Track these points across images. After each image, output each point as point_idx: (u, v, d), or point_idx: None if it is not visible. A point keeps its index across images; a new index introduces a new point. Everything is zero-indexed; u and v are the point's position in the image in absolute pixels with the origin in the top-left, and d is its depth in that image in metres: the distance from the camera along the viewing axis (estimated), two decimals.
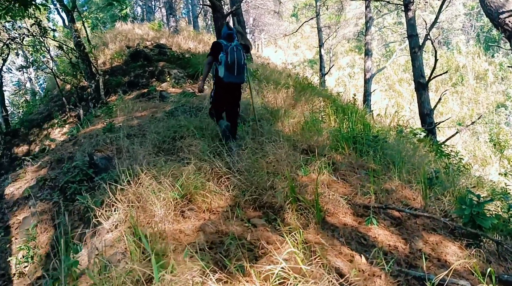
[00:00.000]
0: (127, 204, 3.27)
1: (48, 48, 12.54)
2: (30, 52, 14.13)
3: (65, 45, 10.97)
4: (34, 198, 4.66)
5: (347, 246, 3.20)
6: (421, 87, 11.79)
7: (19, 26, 13.46)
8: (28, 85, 28.84)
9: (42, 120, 14.27)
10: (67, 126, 12.51)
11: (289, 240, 2.72)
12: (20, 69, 13.36)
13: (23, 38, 11.06)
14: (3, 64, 14.54)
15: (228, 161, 4.43)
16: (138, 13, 34.41)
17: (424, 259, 2.98)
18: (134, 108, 7.88)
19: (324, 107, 8.56)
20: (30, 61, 12.42)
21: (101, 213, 3.28)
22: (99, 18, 27.82)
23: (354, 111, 8.22)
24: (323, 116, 7.81)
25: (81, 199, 3.71)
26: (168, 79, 10.52)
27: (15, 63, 15.03)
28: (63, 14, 14.08)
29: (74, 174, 4.67)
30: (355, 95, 12.37)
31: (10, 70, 29.08)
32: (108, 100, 10.90)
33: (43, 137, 13.16)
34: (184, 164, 4.38)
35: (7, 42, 11.65)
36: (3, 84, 16.62)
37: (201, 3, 21.86)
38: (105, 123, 6.53)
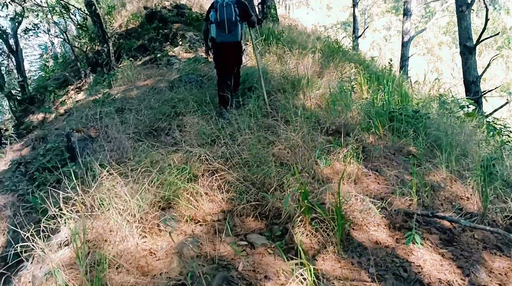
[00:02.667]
0: (82, 213, 2.42)
1: (59, 10, 11.68)
2: (36, 14, 13.34)
3: (71, 5, 10.07)
4: None
5: (380, 282, 2.26)
6: (468, 51, 10.28)
7: None
8: (57, 49, 28.43)
9: (57, 86, 13.68)
10: (81, 93, 11.85)
11: (298, 272, 1.83)
12: (26, 32, 12.53)
13: None
14: (18, 27, 13.95)
15: (225, 151, 3.47)
16: None
17: None
18: (138, 76, 7.01)
19: (356, 75, 7.40)
20: (34, 23, 11.65)
21: (49, 225, 2.45)
22: None
23: (390, 79, 7.07)
24: (354, 86, 6.71)
25: (32, 200, 2.89)
26: (181, 42, 9.53)
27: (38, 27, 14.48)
28: None
29: (47, 158, 3.88)
30: (391, 60, 11.02)
31: (36, 34, 28.77)
32: (119, 65, 10.05)
33: (58, 104, 12.60)
34: (174, 150, 3.50)
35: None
36: (19, 48, 16.12)
37: None
38: (100, 95, 5.71)
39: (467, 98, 8.36)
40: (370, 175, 3.70)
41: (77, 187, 2.35)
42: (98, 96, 5.75)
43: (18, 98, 13.58)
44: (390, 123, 4.80)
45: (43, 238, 2.18)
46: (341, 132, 4.43)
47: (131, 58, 9.74)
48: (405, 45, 17.11)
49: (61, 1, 10.39)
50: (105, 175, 2.63)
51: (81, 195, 2.37)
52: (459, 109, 7.43)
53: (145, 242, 2.46)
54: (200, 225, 2.68)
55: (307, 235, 2.56)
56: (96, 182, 2.59)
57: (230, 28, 4.72)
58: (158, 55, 8.38)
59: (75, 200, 2.34)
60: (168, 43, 10.02)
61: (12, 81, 19.88)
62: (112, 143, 3.69)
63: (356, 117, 4.94)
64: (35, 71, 25.14)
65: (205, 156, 3.33)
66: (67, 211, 2.33)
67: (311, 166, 3.44)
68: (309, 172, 3.36)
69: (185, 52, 8.95)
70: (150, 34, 10.99)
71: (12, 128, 12.15)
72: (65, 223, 2.35)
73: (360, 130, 4.56)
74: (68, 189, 2.53)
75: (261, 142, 3.69)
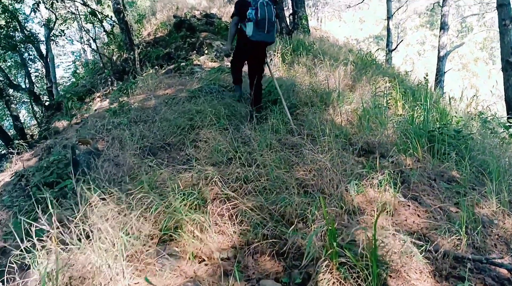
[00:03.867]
0: (57, 249, 2.01)
1: (87, 17, 11.63)
2: (64, 20, 13.39)
3: (99, 12, 9.95)
4: None
5: None
6: (510, 67, 9.56)
7: None
8: (89, 56, 28.93)
9: (85, 93, 13.66)
10: (107, 100, 11.72)
11: None
12: (53, 39, 12.54)
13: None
14: (49, 33, 14.04)
15: (240, 173, 3.02)
16: None
17: None
18: (158, 85, 6.69)
19: (390, 89, 6.84)
20: (61, 30, 11.65)
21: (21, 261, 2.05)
22: None
23: (428, 95, 6.51)
24: (388, 101, 6.18)
25: (14, 225, 2.52)
26: (207, 51, 9.22)
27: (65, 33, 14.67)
28: None
29: (49, 172, 3.54)
30: (427, 75, 10.38)
31: (71, 41, 29.35)
32: (145, 73, 9.84)
33: (84, 111, 12.52)
34: (184, 169, 3.09)
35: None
36: (51, 54, 16.29)
37: None
38: (111, 103, 5.41)
39: (509, 117, 7.64)
40: (409, 205, 3.19)
41: (53, 216, 1.94)
42: (114, 105, 5.45)
43: (46, 103, 13.64)
44: (429, 144, 4.28)
45: (6, 280, 1.78)
46: (375, 153, 3.95)
47: (156, 67, 9.52)
48: (441, 60, 16.37)
49: (89, 8, 10.29)
50: (96, 200, 2.23)
51: (58, 227, 1.97)
52: (503, 130, 6.72)
53: (137, 283, 2.03)
54: (205, 264, 2.23)
55: (333, 283, 2.08)
56: (86, 208, 2.19)
57: (270, 28, 4.66)
58: (182, 63, 8.07)
59: (50, 233, 1.93)
60: (195, 51, 9.74)
61: (44, 86, 20.16)
62: (117, 158, 3.32)
63: (391, 136, 4.42)
64: (67, 77, 25.61)
65: (218, 178, 2.89)
66: (41, 247, 1.93)
67: (341, 194, 2.96)
68: (338, 201, 2.88)
69: (211, 61, 8.62)
70: (177, 42, 10.78)
71: (38, 134, 12.12)
72: (33, 262, 1.95)
73: (396, 151, 4.06)
74: (56, 214, 2.16)
75: (283, 164, 3.23)
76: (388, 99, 6.28)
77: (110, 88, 12.04)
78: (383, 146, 4.17)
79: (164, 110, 4.81)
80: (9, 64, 15.41)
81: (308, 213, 2.53)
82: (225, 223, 2.48)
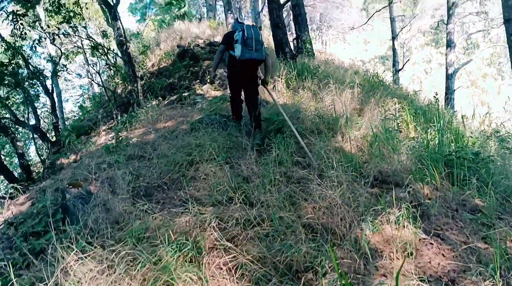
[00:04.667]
0: None
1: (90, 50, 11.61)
2: (66, 55, 13.42)
3: (101, 45, 9.90)
4: None
5: None
6: None
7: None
8: (96, 89, 29.14)
9: (90, 127, 13.56)
10: (112, 134, 11.57)
11: None
12: (55, 74, 12.52)
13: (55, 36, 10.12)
14: (55, 68, 14.07)
15: (241, 215, 2.71)
16: (203, 13, 33.82)
17: None
18: (159, 117, 6.48)
19: (400, 111, 6.53)
20: (63, 64, 11.61)
21: None
22: (164, 20, 27.63)
23: (440, 115, 6.21)
24: (399, 123, 5.87)
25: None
26: (209, 80, 9.04)
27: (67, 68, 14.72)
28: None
29: (37, 220, 3.28)
30: (436, 94, 10.06)
31: (79, 75, 29.66)
32: (148, 105, 9.69)
33: (84, 147, 12.37)
34: (180, 212, 2.80)
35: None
36: (58, 89, 16.35)
37: None
38: (112, 139, 5.17)
39: None
40: (431, 243, 2.85)
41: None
42: (111, 141, 5.22)
43: (53, 139, 13.51)
44: (446, 170, 3.96)
45: None
46: (389, 182, 3.65)
47: (159, 98, 9.36)
48: (449, 78, 16.12)
49: (93, 42, 10.26)
50: (74, 259, 1.94)
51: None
52: None
53: None
54: None
55: None
56: (61, 272, 1.90)
57: (257, 46, 4.80)
58: (184, 93, 7.88)
59: None
60: (198, 81, 9.58)
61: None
62: (107, 203, 3.05)
63: (405, 163, 4.10)
64: (76, 111, 25.75)
65: (217, 222, 2.59)
66: None
67: (354, 235, 2.64)
68: (352, 243, 2.55)
69: (214, 90, 8.43)
70: (181, 72, 10.66)
71: (42, 171, 11.95)
72: None
73: (412, 180, 3.74)
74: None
75: (289, 202, 2.93)
76: (398, 121, 5.99)
77: (115, 121, 11.93)
78: (397, 175, 3.85)
79: (163, 145, 4.56)
80: (18, 100, 15.43)
81: (317, 263, 2.21)
82: (223, 278, 2.17)
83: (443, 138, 4.52)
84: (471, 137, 5.44)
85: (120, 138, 4.96)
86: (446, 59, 16.29)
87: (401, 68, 17.99)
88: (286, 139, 4.33)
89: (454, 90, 16.09)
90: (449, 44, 15.99)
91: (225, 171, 3.50)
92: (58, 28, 10.76)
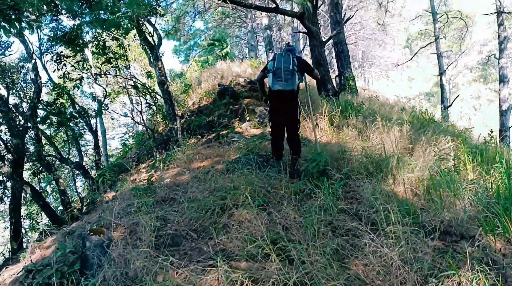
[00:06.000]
0: None
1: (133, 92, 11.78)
2: (108, 94, 13.69)
3: (142, 84, 9.96)
4: None
5: None
6: None
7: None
8: (139, 127, 29.85)
9: (132, 164, 13.62)
10: (154, 169, 11.49)
11: None
12: (97, 114, 12.75)
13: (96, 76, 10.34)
14: (100, 107, 14.41)
15: (279, 276, 2.25)
16: (245, 53, 34.46)
17: None
18: (195, 157, 6.19)
19: (455, 151, 5.90)
20: (105, 104, 11.81)
21: None
22: (207, 60, 28.31)
23: (500, 154, 5.57)
24: (456, 165, 5.28)
25: None
26: (249, 118, 8.78)
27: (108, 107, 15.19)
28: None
29: (54, 269, 2.97)
30: (491, 131, 9.27)
31: (125, 115, 30.55)
32: (187, 143, 9.53)
33: (132, 181, 12.34)
34: (209, 268, 2.40)
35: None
36: (100, 127, 16.71)
37: (298, 30, 20.41)
38: (145, 180, 4.90)
39: None
40: None
41: None
42: (142, 182, 4.96)
43: (91, 176, 13.64)
44: None
45: None
46: (452, 234, 3.12)
47: (198, 136, 9.18)
48: (504, 115, 15.14)
49: (133, 80, 10.38)
50: None
51: None
52: None
53: None
54: None
55: None
56: None
57: (286, 76, 4.64)
58: (222, 132, 7.62)
59: None
60: (237, 119, 9.36)
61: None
62: (129, 254, 2.69)
63: (470, 210, 3.53)
64: (121, 149, 26.33)
65: (250, 284, 2.17)
66: None
67: None
68: None
69: (253, 128, 8.13)
70: (220, 110, 10.50)
71: (84, 208, 11.96)
72: None
73: (481, 231, 3.18)
74: None
75: (336, 257, 2.46)
76: (455, 162, 5.40)
77: (156, 158, 11.87)
78: (462, 225, 3.29)
79: (195, 187, 4.21)
80: (63, 138, 15.88)
81: None
82: None
83: (510, 180, 3.90)
84: None
85: (152, 179, 4.68)
86: (499, 95, 15.37)
87: (451, 105, 17.14)
88: (332, 185, 3.86)
89: (509, 127, 15.05)
90: (502, 79, 15.12)
91: (262, 220, 3.08)
92: (100, 69, 10.98)
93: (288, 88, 4.67)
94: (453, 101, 16.72)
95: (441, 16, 18.44)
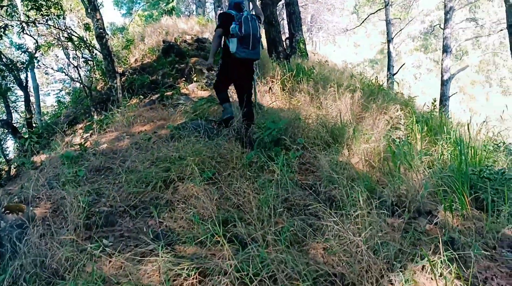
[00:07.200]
0: None
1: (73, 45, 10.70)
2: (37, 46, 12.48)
3: (77, 37, 9.03)
4: None
5: None
6: None
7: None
8: (77, 84, 27.96)
9: (67, 124, 12.66)
10: (90, 132, 10.71)
11: None
12: (27, 66, 11.61)
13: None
14: (30, 61, 13.12)
15: (230, 265, 1.93)
16: (192, 10, 32.94)
17: None
18: (135, 120, 5.66)
19: (404, 119, 5.83)
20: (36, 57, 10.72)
21: None
22: (151, 15, 26.83)
23: (447, 124, 5.61)
24: (408, 135, 5.22)
25: None
26: (197, 78, 8.25)
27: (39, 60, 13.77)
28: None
29: None
30: (435, 101, 9.42)
31: (61, 69, 28.39)
32: (128, 104, 8.85)
33: (64, 144, 11.47)
34: (149, 254, 2.04)
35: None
36: (32, 83, 15.40)
37: None
38: (74, 146, 4.36)
39: None
40: None
41: None
42: (74, 147, 4.42)
43: (26, 137, 12.58)
44: (472, 193, 3.32)
45: None
46: (409, 208, 2.98)
47: (140, 96, 8.53)
48: (445, 84, 15.62)
49: (70, 34, 9.38)
50: None
51: None
52: None
53: None
54: None
55: None
56: None
57: (255, 44, 4.36)
58: (166, 93, 7.07)
59: None
60: (183, 79, 8.78)
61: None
62: (51, 238, 2.26)
63: (426, 183, 3.39)
64: (56, 106, 24.63)
65: (197, 277, 1.84)
66: None
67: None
68: None
69: (201, 89, 7.64)
70: (165, 69, 9.82)
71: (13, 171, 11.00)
72: None
73: (437, 207, 3.08)
74: None
75: (293, 239, 2.19)
76: (406, 132, 5.34)
77: (93, 120, 11.06)
78: (419, 200, 3.16)
79: (135, 156, 3.76)
80: None
81: None
82: None
83: (464, 154, 3.81)
84: (485, 151, 4.74)
85: (86, 144, 4.16)
86: (441, 64, 15.78)
87: (396, 72, 17.45)
88: (286, 154, 3.58)
89: (449, 97, 15.60)
90: (446, 50, 15.48)
91: (211, 196, 2.73)
92: (28, 17, 9.83)
93: (256, 57, 4.49)
94: (399, 69, 17.02)
95: None
